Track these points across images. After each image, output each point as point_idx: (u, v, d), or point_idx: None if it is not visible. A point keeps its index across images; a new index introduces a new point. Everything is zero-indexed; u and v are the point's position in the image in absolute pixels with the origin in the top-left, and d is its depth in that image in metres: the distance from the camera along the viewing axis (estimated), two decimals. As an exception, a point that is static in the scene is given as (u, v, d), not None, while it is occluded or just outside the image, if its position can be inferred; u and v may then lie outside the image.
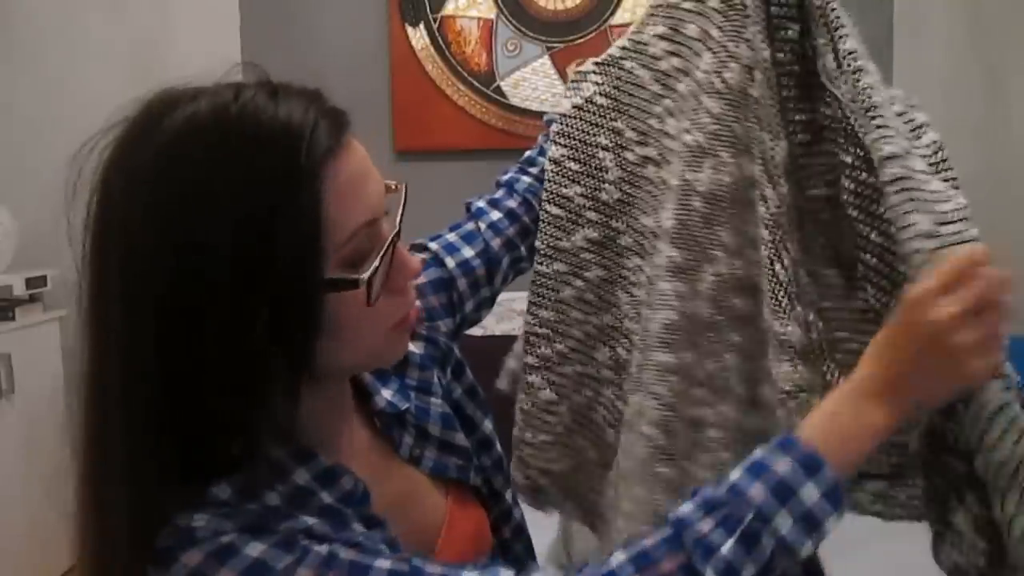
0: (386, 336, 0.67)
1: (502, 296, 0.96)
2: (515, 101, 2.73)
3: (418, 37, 2.73)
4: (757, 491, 0.61)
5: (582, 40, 2.73)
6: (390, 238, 0.63)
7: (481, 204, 0.98)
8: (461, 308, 0.92)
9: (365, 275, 0.60)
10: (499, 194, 1.00)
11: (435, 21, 2.73)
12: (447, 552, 0.77)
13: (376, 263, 0.61)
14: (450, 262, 0.91)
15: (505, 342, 1.06)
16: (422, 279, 0.85)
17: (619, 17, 2.72)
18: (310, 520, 0.62)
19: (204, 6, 2.79)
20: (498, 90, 2.72)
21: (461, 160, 2.73)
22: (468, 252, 0.92)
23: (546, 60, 2.74)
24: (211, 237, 0.55)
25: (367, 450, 0.77)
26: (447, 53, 2.72)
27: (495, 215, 0.97)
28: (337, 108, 0.63)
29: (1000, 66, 2.77)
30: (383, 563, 0.61)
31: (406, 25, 2.72)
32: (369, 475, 0.73)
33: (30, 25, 2.81)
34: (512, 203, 0.99)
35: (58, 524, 2.80)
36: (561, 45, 2.73)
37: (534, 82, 2.73)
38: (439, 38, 2.73)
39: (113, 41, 2.81)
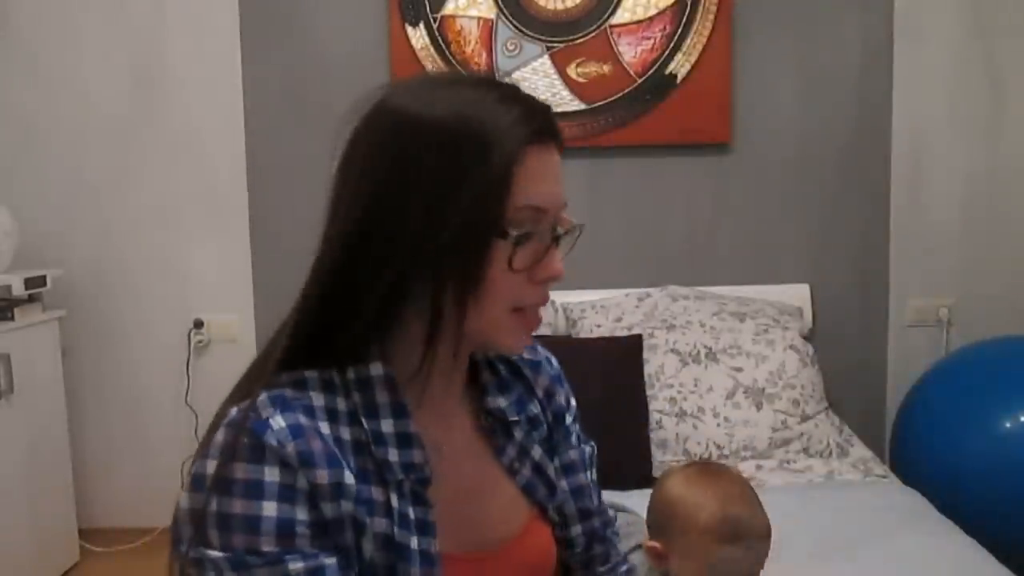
0: (505, 316, 0.76)
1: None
2: (515, 101, 2.72)
3: (418, 37, 2.73)
4: None
5: (582, 40, 2.73)
6: (551, 233, 0.76)
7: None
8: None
9: (516, 233, 0.72)
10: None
11: (435, 21, 2.73)
12: (511, 554, 0.83)
13: (526, 232, 0.73)
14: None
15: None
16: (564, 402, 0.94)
17: (619, 17, 2.72)
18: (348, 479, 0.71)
19: (204, 6, 2.79)
20: (498, 90, 2.72)
21: (461, 160, 2.72)
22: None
23: (546, 60, 2.74)
24: (443, 176, 0.72)
25: (466, 440, 0.84)
26: (447, 53, 2.72)
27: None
28: (548, 125, 0.76)
29: (1001, 66, 2.77)
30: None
31: (406, 25, 2.72)
32: (459, 462, 0.81)
33: (30, 25, 2.81)
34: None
35: (59, 524, 2.83)
36: (561, 45, 2.73)
37: (534, 82, 2.73)
38: (439, 38, 2.73)
39: (113, 41, 2.81)
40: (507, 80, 0.78)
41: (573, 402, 0.96)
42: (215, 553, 0.67)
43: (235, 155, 2.82)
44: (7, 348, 2.42)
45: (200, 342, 2.86)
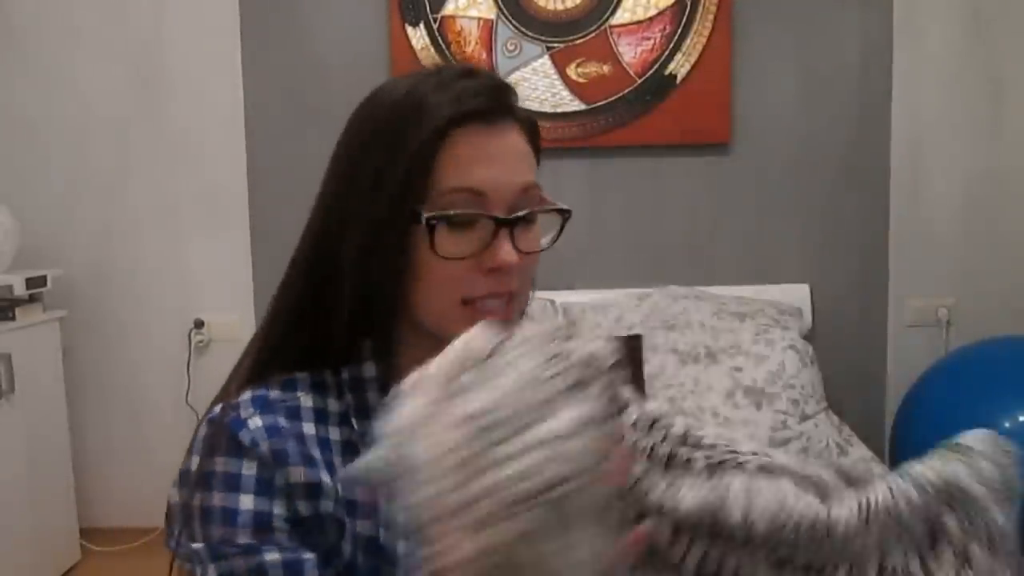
0: (455, 307, 0.72)
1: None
2: (515, 101, 2.72)
3: (418, 37, 2.73)
4: None
5: (582, 40, 2.73)
6: (496, 219, 0.71)
7: None
8: None
9: (427, 213, 0.69)
10: None
11: (435, 21, 2.73)
12: None
13: (453, 215, 0.70)
14: None
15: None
16: None
17: (619, 17, 2.73)
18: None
19: (204, 6, 2.79)
20: (498, 90, 2.72)
21: (461, 160, 2.72)
22: None
23: (546, 60, 2.74)
24: (375, 155, 0.73)
25: None
26: (447, 53, 2.72)
27: None
28: (489, 106, 0.72)
29: (1000, 66, 2.77)
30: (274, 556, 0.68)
31: (406, 25, 2.72)
32: None
33: (30, 25, 2.81)
34: None
35: (59, 523, 2.82)
36: (561, 45, 2.73)
37: (534, 82, 2.73)
38: (439, 38, 2.73)
39: (113, 41, 2.81)
40: (509, 79, 0.77)
41: None
42: (197, 545, 0.68)
43: (235, 155, 2.82)
44: (8, 348, 2.42)
45: (200, 342, 2.86)
